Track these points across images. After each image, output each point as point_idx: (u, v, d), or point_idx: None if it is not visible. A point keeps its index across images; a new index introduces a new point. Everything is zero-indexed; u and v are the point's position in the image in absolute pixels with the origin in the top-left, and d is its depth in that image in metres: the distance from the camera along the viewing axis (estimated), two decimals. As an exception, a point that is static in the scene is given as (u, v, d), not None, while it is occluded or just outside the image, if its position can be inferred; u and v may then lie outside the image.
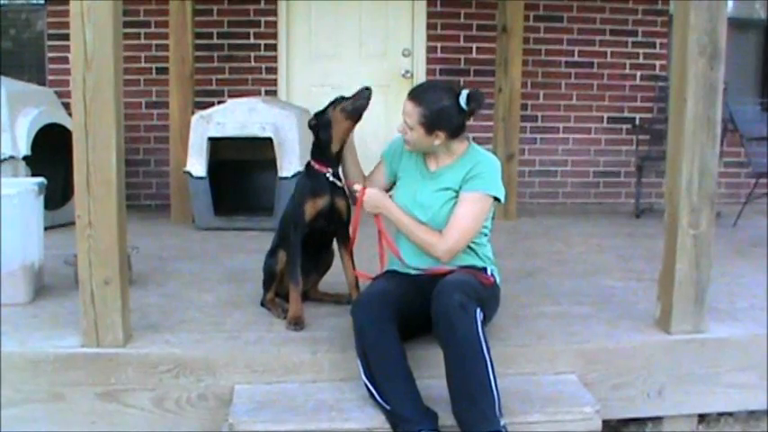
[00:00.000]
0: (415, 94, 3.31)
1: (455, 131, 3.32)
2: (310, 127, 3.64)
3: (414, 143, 3.36)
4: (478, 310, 3.00)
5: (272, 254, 3.83)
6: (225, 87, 7.31)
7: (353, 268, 3.72)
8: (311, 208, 3.57)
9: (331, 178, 3.59)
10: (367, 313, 3.11)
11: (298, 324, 3.54)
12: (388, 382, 2.99)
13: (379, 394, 2.99)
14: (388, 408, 2.96)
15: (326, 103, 3.64)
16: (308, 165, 3.67)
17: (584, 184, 7.82)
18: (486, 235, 3.46)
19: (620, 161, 7.79)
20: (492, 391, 2.88)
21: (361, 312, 3.13)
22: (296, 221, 3.61)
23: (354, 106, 3.52)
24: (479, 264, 3.41)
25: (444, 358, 2.97)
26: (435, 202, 3.35)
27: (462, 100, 3.25)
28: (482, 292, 3.20)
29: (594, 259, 5.18)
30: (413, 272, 3.41)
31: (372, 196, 3.43)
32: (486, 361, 2.91)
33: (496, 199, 3.35)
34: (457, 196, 3.33)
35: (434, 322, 3.04)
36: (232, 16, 7.29)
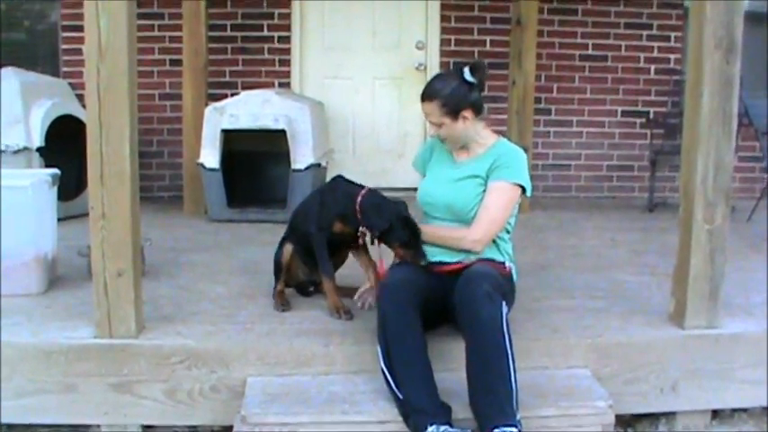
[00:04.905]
0: (425, 93, 3.38)
1: (477, 106, 3.37)
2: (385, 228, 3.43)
3: (450, 136, 3.41)
4: (504, 303, 3.02)
5: (280, 245, 3.87)
6: (238, 79, 7.31)
7: (370, 259, 3.71)
8: (340, 225, 3.60)
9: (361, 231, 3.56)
10: (393, 300, 3.12)
11: (346, 313, 3.59)
12: (406, 371, 2.99)
13: (395, 382, 2.99)
14: (401, 397, 2.95)
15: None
16: (353, 196, 3.53)
17: (597, 177, 7.79)
18: (508, 232, 3.49)
19: (634, 155, 7.76)
20: (511, 383, 2.88)
21: (387, 299, 3.14)
22: (321, 227, 3.62)
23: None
24: (499, 258, 3.43)
25: (466, 347, 2.98)
26: (463, 187, 3.40)
27: (467, 75, 3.33)
28: (504, 286, 3.23)
29: (608, 253, 5.16)
30: (434, 260, 3.43)
31: None
32: (507, 353, 2.91)
33: (523, 190, 3.38)
34: (485, 184, 3.36)
35: (458, 310, 3.05)
36: (246, 8, 7.28)
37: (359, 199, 3.50)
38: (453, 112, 3.32)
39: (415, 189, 3.61)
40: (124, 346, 3.25)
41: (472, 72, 3.32)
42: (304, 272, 3.90)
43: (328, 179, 6.23)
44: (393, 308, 3.09)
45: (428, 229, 3.43)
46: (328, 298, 3.66)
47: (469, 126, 3.38)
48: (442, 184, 3.45)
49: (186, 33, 6.36)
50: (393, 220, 3.39)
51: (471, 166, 3.42)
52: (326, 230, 3.61)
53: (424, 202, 3.52)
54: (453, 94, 3.31)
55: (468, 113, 3.34)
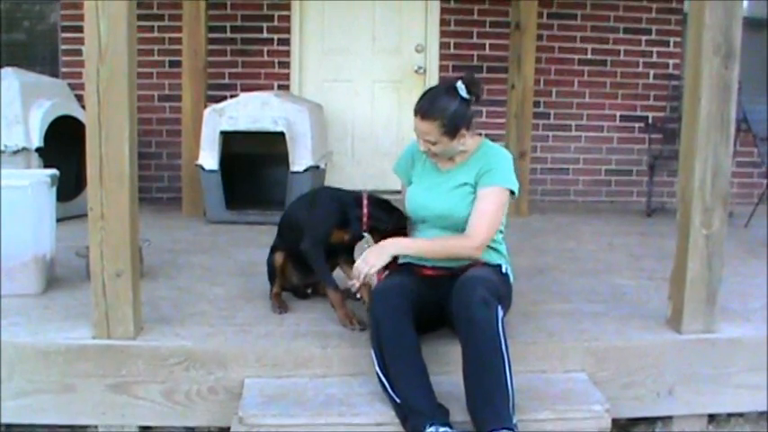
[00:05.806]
0: (424, 112, 3.27)
1: (471, 123, 3.34)
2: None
3: (443, 153, 3.36)
4: (499, 307, 3.02)
5: (271, 251, 3.88)
6: (238, 81, 7.32)
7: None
8: (337, 236, 3.62)
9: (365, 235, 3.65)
10: (385, 305, 3.12)
11: (359, 323, 3.51)
12: (401, 374, 2.99)
13: (391, 386, 2.99)
14: (398, 401, 2.96)
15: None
16: (356, 201, 3.60)
17: (595, 182, 7.80)
18: (501, 232, 3.47)
19: (633, 160, 7.76)
20: (508, 388, 2.88)
21: (380, 304, 3.14)
22: (316, 241, 3.60)
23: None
24: (495, 260, 3.43)
25: (462, 352, 2.98)
26: (457, 197, 3.37)
27: (463, 92, 3.26)
28: (500, 289, 3.22)
29: (606, 258, 5.16)
30: (428, 263, 3.42)
31: (386, 247, 3.32)
32: (504, 357, 2.92)
33: (512, 193, 3.36)
34: (474, 191, 3.34)
35: (455, 316, 3.04)
36: (245, 10, 7.28)
37: (365, 201, 3.54)
38: (452, 132, 3.25)
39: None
40: (122, 346, 3.25)
41: (468, 90, 3.26)
42: (297, 277, 3.90)
43: (327, 182, 6.26)
44: (385, 312, 3.09)
45: (421, 244, 3.39)
46: (337, 310, 3.59)
47: (463, 141, 3.34)
48: (434, 194, 3.41)
49: (186, 35, 6.36)
50: (403, 217, 3.50)
51: (460, 174, 3.39)
52: (323, 243, 3.61)
53: (417, 213, 3.49)
54: (454, 115, 3.23)
55: (464, 131, 3.29)
